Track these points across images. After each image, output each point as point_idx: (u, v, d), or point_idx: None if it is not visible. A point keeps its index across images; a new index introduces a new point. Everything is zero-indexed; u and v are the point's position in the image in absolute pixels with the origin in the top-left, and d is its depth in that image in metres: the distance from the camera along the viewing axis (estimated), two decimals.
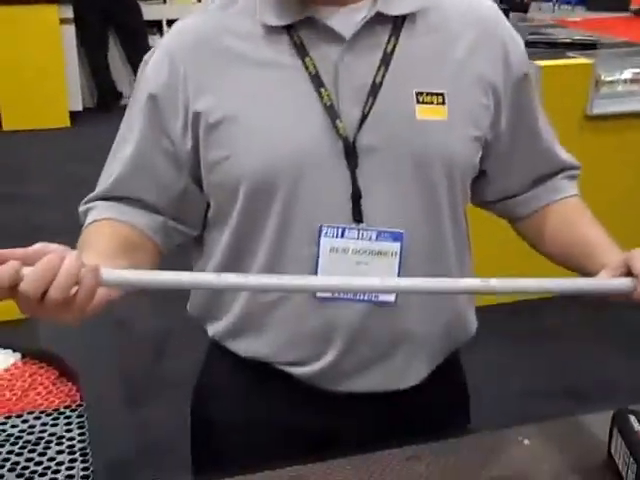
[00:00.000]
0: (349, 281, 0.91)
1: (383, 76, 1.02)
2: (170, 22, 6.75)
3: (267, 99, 1.02)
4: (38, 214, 4.48)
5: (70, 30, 6.11)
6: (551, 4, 10.83)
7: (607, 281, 0.99)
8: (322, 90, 1.01)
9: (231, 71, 1.03)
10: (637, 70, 3.22)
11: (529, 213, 1.22)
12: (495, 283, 0.90)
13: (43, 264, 0.78)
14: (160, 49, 1.08)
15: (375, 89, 1.02)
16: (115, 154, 1.12)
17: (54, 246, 0.82)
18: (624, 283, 0.97)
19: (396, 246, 1.04)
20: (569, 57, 3.22)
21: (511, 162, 1.17)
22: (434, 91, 1.04)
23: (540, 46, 3.35)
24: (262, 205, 1.03)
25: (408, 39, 1.04)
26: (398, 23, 1.04)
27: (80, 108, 6.28)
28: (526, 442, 1.05)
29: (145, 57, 1.11)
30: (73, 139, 5.75)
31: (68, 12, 6.04)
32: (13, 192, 4.81)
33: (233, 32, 1.05)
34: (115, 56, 6.60)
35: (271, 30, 1.03)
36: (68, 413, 1.10)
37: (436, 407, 1.17)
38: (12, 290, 0.78)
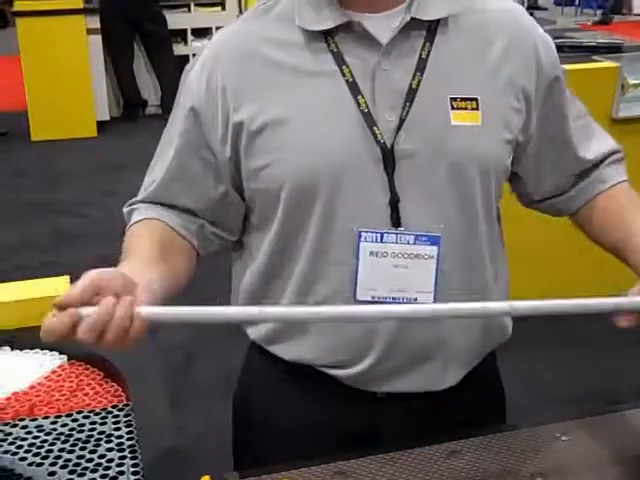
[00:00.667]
0: (383, 309, 0.96)
1: (419, 82, 1.04)
2: (195, 31, 6.82)
3: (306, 106, 1.04)
4: (67, 222, 4.55)
5: (97, 40, 6.19)
6: (573, 8, 10.83)
7: (629, 300, 0.98)
8: (359, 97, 1.04)
9: (270, 79, 1.06)
10: None
11: (580, 206, 1.23)
12: (520, 305, 0.93)
13: (98, 313, 0.85)
14: (200, 60, 1.12)
15: (411, 95, 1.04)
16: (157, 160, 1.16)
17: (107, 276, 0.88)
18: None
19: (433, 249, 1.06)
20: (594, 61, 3.23)
21: (543, 163, 1.19)
22: (468, 96, 1.06)
23: (565, 50, 3.35)
24: (302, 210, 1.06)
25: (442, 44, 1.07)
26: (432, 28, 1.07)
27: (107, 118, 6.35)
28: (564, 438, 1.07)
29: (187, 66, 1.14)
30: (100, 149, 5.84)
31: (95, 22, 6.12)
32: (42, 201, 4.89)
33: (271, 40, 1.07)
34: (140, 65, 6.67)
35: (309, 36, 1.06)
36: (116, 412, 1.13)
37: (473, 407, 1.19)
38: (72, 331, 0.85)
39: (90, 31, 6.09)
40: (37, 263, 3.85)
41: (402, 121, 1.04)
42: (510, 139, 1.10)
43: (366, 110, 1.03)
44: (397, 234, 1.05)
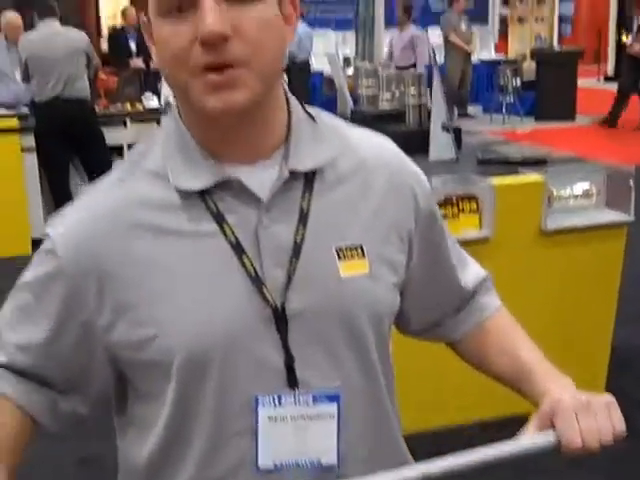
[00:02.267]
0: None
1: (303, 236, 1.02)
2: (130, 146, 6.85)
3: (188, 271, 1.00)
4: None
5: (32, 158, 6.14)
6: (501, 115, 11.25)
7: (530, 442, 1.02)
8: (244, 257, 1.00)
9: (146, 245, 1.00)
10: (587, 185, 3.33)
11: (460, 337, 1.25)
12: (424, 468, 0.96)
13: None
14: (65, 232, 1.03)
15: (297, 250, 1.01)
16: (18, 321, 1.05)
17: None
18: (549, 440, 1.00)
19: (333, 407, 1.03)
20: (521, 174, 3.32)
21: (425, 295, 1.20)
22: (353, 245, 1.05)
23: (492, 164, 3.45)
24: (197, 381, 1.00)
25: (321, 193, 1.05)
26: (309, 177, 1.04)
27: (41, 235, 6.26)
28: None
29: (48, 230, 1.05)
30: None
31: (30, 141, 6.09)
32: None
33: (144, 202, 1.01)
34: (77, 181, 6.64)
35: (185, 195, 1.01)
36: None
37: None
38: None
39: (25, 149, 6.07)
40: None
41: (290, 279, 1.01)
42: (397, 281, 1.10)
43: (252, 270, 1.00)
44: (295, 396, 1.01)
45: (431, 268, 1.18)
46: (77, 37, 6.25)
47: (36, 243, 6.23)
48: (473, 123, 11.07)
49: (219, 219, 1.00)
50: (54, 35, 6.06)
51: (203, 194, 1.01)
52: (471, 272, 1.25)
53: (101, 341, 1.02)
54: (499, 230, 3.10)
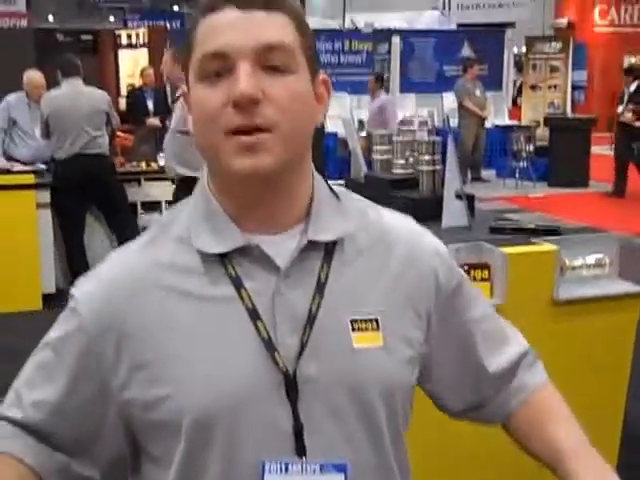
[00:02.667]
0: None
1: (318, 305, 1.04)
2: (145, 204, 6.89)
3: (204, 333, 1.02)
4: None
5: (46, 214, 6.21)
6: (514, 180, 11.30)
7: None
8: (259, 323, 1.02)
9: (166, 306, 1.04)
10: (599, 255, 3.31)
11: (504, 419, 1.23)
12: None
13: None
14: (88, 292, 1.07)
15: (311, 319, 1.03)
16: (34, 378, 1.10)
17: None
18: None
19: (340, 478, 1.02)
20: (534, 243, 3.31)
21: (454, 374, 1.19)
22: (368, 317, 1.06)
23: (505, 232, 3.44)
24: (205, 443, 1.01)
25: (340, 265, 1.07)
26: (329, 248, 1.07)
27: (53, 290, 6.28)
28: None
29: (73, 291, 1.09)
30: (44, 322, 5.69)
31: (45, 197, 6.17)
32: None
33: (167, 265, 1.06)
34: (93, 236, 6.67)
35: (206, 258, 1.04)
36: None
37: None
38: None
39: (40, 205, 6.13)
40: None
41: (303, 346, 1.02)
42: (413, 356, 1.10)
43: (266, 336, 1.02)
44: (302, 464, 1.01)
45: (456, 345, 1.18)
46: (99, 97, 6.44)
47: (47, 299, 6.26)
48: (486, 188, 11.11)
49: (237, 284, 1.03)
50: (77, 94, 6.22)
51: (223, 258, 1.04)
52: (511, 347, 1.23)
53: (115, 401, 1.05)
54: (510, 299, 3.07)
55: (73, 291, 1.09)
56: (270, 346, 1.02)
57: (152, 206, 6.90)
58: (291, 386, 1.01)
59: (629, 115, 10.82)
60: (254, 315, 1.02)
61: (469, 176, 11.58)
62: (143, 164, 7.26)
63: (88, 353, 1.05)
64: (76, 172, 6.15)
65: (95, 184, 6.25)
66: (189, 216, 1.08)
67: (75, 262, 6.54)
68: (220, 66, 1.00)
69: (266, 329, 1.02)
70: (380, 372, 1.06)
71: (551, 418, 1.19)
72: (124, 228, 6.45)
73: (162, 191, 6.89)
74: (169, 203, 5.80)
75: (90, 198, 6.43)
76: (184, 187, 5.36)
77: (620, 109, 11.10)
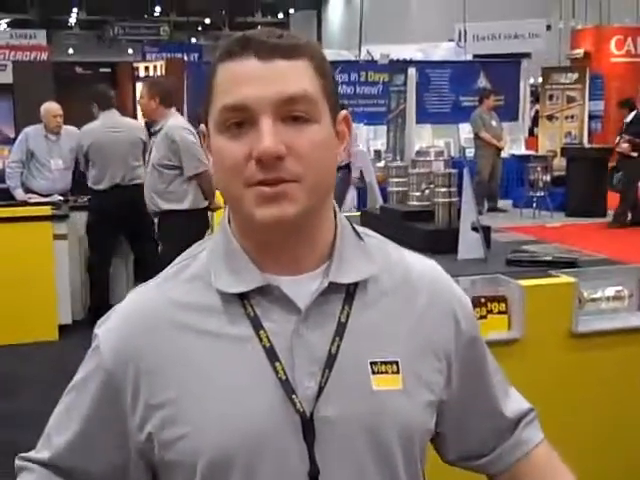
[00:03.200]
0: None
1: (338, 347, 1.02)
2: None
3: (221, 373, 1.01)
4: (23, 433, 4.37)
5: (62, 245, 6.23)
6: (531, 210, 11.25)
7: None
8: (277, 364, 1.00)
9: (184, 345, 1.03)
10: (619, 288, 3.27)
11: (500, 472, 1.21)
12: None
13: None
14: (109, 330, 1.08)
15: (330, 361, 1.02)
16: (61, 420, 1.11)
17: None
18: None
19: None
20: (551, 275, 3.28)
21: (466, 422, 1.17)
22: (388, 360, 1.04)
23: (522, 264, 3.41)
24: None
25: (361, 307, 1.06)
26: (350, 290, 1.05)
27: (70, 321, 6.28)
28: None
29: (96, 330, 1.10)
30: (60, 352, 5.72)
31: (62, 228, 6.20)
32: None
33: (182, 304, 1.05)
34: (116, 270, 6.68)
35: (225, 298, 1.03)
36: None
37: None
38: None
39: (56, 237, 6.14)
40: None
41: (321, 388, 1.00)
42: (433, 400, 1.08)
43: (284, 377, 1.00)
44: None
45: (471, 393, 1.16)
46: (136, 126, 6.63)
47: (63, 329, 6.25)
48: (503, 218, 11.08)
49: (256, 324, 1.02)
50: (115, 125, 6.32)
51: (242, 298, 1.03)
52: (513, 404, 1.23)
53: (133, 439, 1.05)
54: (528, 332, 3.04)
55: (96, 330, 1.10)
56: (288, 387, 1.00)
57: None
58: (308, 428, 1.00)
59: (625, 146, 10.85)
60: (272, 355, 1.01)
61: (486, 206, 11.53)
62: None
63: (108, 389, 1.05)
64: (115, 203, 6.21)
65: (132, 214, 6.26)
66: (209, 255, 1.08)
67: (96, 293, 6.53)
68: (241, 117, 0.99)
69: (284, 370, 1.01)
70: (399, 416, 1.04)
71: (555, 474, 1.19)
72: (152, 258, 6.45)
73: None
74: (158, 240, 5.76)
75: (122, 229, 6.48)
76: (168, 221, 5.41)
77: (617, 139, 11.16)
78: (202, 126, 1.07)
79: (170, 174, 5.31)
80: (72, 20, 29.25)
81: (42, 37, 20.81)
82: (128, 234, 6.59)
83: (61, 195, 6.71)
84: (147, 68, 13.88)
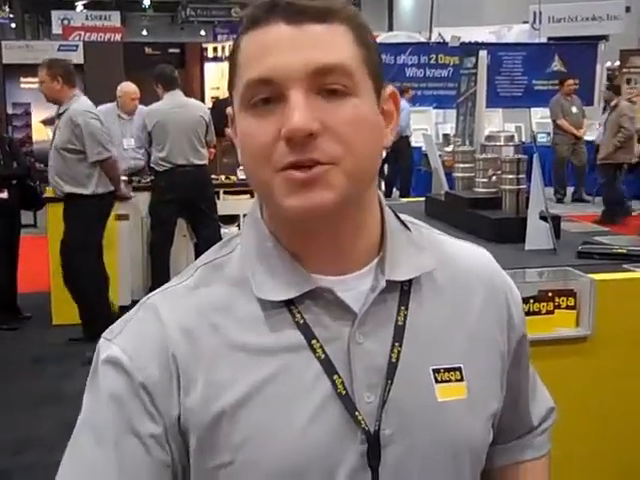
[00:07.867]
0: None
1: (398, 354, 0.91)
2: (223, 218, 6.84)
3: (272, 391, 0.88)
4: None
5: (124, 225, 6.28)
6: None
7: None
8: (335, 377, 0.88)
9: (225, 360, 0.90)
10: None
11: (500, 465, 1.12)
12: None
13: None
14: (138, 339, 0.92)
15: (391, 371, 0.90)
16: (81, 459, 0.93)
17: None
18: None
19: None
20: (626, 270, 3.10)
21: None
22: (451, 366, 0.94)
23: (594, 257, 3.24)
24: None
25: (418, 306, 0.94)
26: (405, 287, 0.94)
27: (129, 302, 6.28)
28: None
29: (103, 344, 0.95)
30: None
31: (124, 208, 6.26)
32: (55, 392, 4.71)
33: (223, 309, 0.92)
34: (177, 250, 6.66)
35: (269, 305, 0.90)
36: None
37: None
38: None
39: (119, 217, 6.18)
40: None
41: (384, 402, 0.89)
42: (497, 408, 0.99)
43: (344, 392, 0.88)
44: None
45: (509, 387, 1.05)
46: (200, 107, 6.60)
47: (123, 310, 6.20)
48: (575, 206, 10.77)
49: (306, 333, 0.90)
50: (181, 106, 6.30)
51: (289, 304, 0.90)
52: (540, 402, 1.15)
53: (174, 470, 0.90)
54: (598, 329, 2.88)
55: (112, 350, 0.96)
56: (349, 403, 0.88)
57: (230, 219, 6.88)
58: (373, 448, 0.88)
59: None
60: (328, 368, 0.89)
61: (568, 195, 11.29)
62: (222, 177, 7.25)
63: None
64: (179, 183, 6.21)
65: (195, 195, 6.29)
66: (241, 256, 0.95)
67: (157, 274, 6.53)
68: (268, 92, 0.86)
69: (343, 384, 0.89)
70: (466, 429, 0.94)
71: None
72: (214, 241, 6.37)
73: (240, 204, 6.84)
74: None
75: (185, 210, 6.46)
76: (72, 204, 5.37)
77: None
78: (229, 109, 0.95)
79: (73, 158, 5.26)
80: (146, 2, 29.55)
81: (116, 19, 21.04)
82: (191, 215, 6.56)
83: (132, 175, 6.75)
84: (215, 49, 13.90)
